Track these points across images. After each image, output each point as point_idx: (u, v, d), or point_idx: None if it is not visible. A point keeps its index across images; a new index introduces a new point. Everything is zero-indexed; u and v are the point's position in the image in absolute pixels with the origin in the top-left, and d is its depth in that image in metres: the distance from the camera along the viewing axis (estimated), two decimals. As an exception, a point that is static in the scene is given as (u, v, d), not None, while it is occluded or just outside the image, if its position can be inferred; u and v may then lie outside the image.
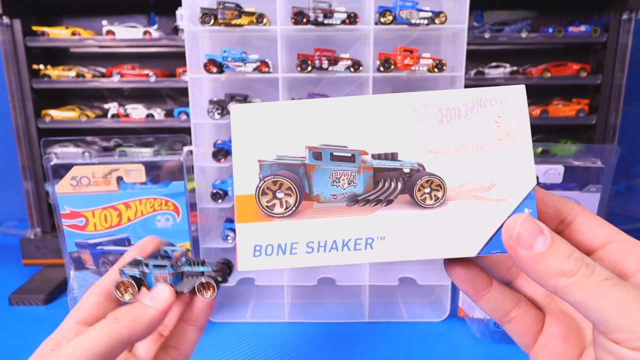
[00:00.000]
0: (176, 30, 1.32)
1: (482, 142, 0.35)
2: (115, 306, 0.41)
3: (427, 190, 0.35)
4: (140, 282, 0.42)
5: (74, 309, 0.40)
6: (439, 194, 0.35)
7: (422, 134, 0.35)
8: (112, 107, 1.35)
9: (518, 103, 0.35)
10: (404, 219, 0.35)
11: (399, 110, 0.35)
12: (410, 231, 0.35)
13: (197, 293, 0.42)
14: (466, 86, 1.03)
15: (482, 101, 0.35)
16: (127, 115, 1.34)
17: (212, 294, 0.42)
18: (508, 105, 0.35)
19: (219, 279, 0.42)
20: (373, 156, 0.35)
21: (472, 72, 1.30)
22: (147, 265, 0.42)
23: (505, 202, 0.35)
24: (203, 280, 0.42)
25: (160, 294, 0.40)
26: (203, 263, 0.43)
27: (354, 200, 0.35)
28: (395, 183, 0.35)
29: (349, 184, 0.35)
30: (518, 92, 0.35)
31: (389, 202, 0.35)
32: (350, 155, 0.35)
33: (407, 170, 0.35)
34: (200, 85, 1.08)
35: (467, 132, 0.35)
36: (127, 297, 0.41)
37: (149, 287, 0.42)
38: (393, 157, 0.35)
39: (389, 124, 0.35)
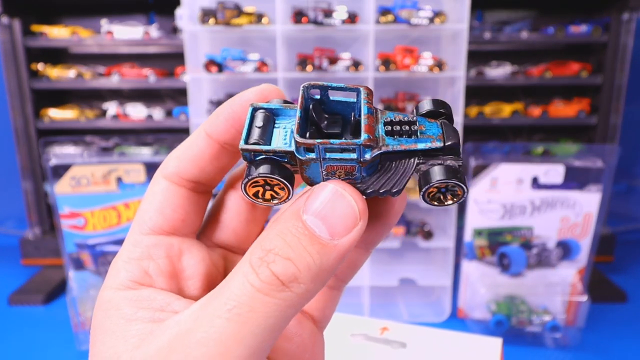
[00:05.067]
0: (175, 30, 1.32)
1: None
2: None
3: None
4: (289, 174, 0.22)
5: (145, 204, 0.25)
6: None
7: None
8: (111, 107, 1.35)
9: (493, 350, 0.48)
10: None
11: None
12: None
13: (428, 198, 0.21)
14: (467, 86, 1.03)
15: (465, 345, 0.48)
16: (126, 115, 1.34)
17: (460, 196, 0.21)
18: (484, 351, 0.48)
19: (459, 163, 0.21)
20: None
21: (473, 72, 1.30)
22: (316, 115, 0.21)
23: None
24: (441, 163, 0.20)
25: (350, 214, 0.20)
26: (414, 123, 0.21)
27: None
28: None
29: None
30: (494, 343, 0.49)
31: None
32: None
33: None
34: (199, 85, 1.08)
35: None
36: (273, 200, 0.22)
37: (309, 178, 0.22)
38: None
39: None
